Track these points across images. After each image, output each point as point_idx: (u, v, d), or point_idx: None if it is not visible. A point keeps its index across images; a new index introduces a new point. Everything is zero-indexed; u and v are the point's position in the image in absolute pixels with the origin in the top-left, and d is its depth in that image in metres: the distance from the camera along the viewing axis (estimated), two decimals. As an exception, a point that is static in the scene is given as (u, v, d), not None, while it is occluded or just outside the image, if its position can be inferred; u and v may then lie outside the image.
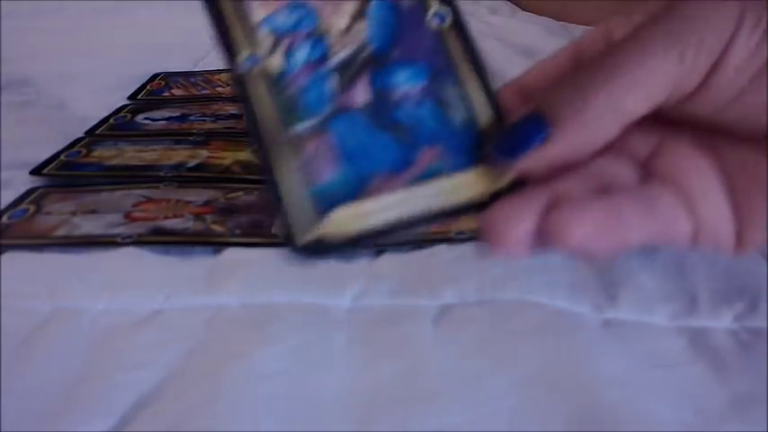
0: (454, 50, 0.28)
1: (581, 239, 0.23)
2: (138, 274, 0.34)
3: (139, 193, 0.40)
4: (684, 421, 0.26)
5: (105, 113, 0.52)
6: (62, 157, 0.45)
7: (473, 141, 0.27)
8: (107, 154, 0.45)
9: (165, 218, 0.38)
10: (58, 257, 0.35)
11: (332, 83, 0.27)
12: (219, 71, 0.62)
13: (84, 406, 0.26)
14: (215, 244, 0.36)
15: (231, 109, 0.54)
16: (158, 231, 0.37)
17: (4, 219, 0.37)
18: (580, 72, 0.25)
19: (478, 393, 0.27)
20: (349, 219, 0.25)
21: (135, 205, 0.39)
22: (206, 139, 0.47)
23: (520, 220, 0.24)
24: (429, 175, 0.26)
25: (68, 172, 0.43)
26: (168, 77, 0.61)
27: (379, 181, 0.26)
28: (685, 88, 0.24)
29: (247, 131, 0.26)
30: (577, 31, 0.75)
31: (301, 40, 0.27)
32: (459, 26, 0.28)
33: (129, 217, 0.38)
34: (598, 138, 0.24)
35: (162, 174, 0.42)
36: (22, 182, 0.42)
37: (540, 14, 0.82)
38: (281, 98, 0.26)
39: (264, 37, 0.27)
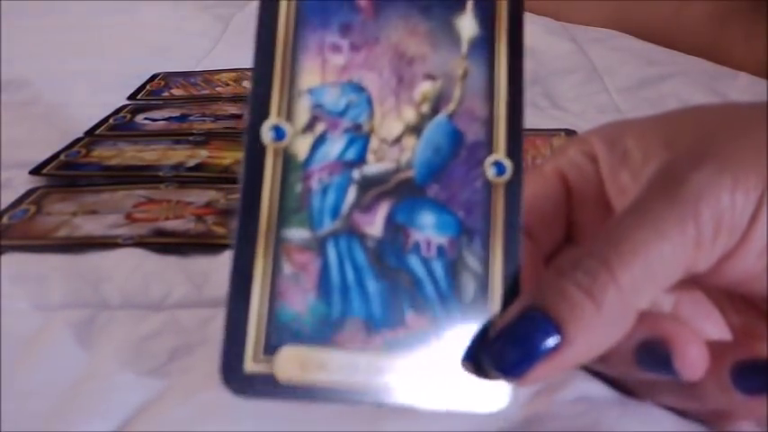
0: (496, 212, 0.23)
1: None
2: (139, 275, 0.34)
3: (140, 193, 0.40)
4: None
5: (105, 113, 0.52)
6: (62, 156, 0.45)
7: (470, 330, 0.22)
8: (107, 154, 0.45)
9: (166, 219, 0.38)
10: (59, 258, 0.35)
11: (349, 197, 0.23)
12: (219, 71, 0.62)
13: (85, 406, 0.26)
14: (216, 245, 0.36)
15: (231, 109, 0.54)
16: (159, 233, 0.37)
17: (5, 219, 0.37)
18: (583, 259, 0.22)
19: None
20: (305, 363, 0.21)
21: (136, 206, 0.39)
22: (206, 139, 0.47)
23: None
24: (408, 346, 0.22)
25: (68, 172, 0.43)
26: (168, 77, 0.61)
27: (352, 331, 0.22)
28: (697, 269, 0.22)
29: (239, 216, 0.22)
30: (577, 31, 0.74)
31: (340, 131, 0.23)
32: (514, 186, 0.23)
33: (129, 218, 0.38)
34: (613, 337, 0.22)
35: (161, 174, 0.42)
36: (22, 182, 0.42)
37: (540, 14, 0.82)
38: (291, 191, 0.22)
39: (303, 110, 0.23)
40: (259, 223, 0.22)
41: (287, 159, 0.22)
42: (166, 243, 0.36)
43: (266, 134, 0.22)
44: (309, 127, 0.23)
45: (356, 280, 0.22)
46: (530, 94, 0.59)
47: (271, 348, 0.21)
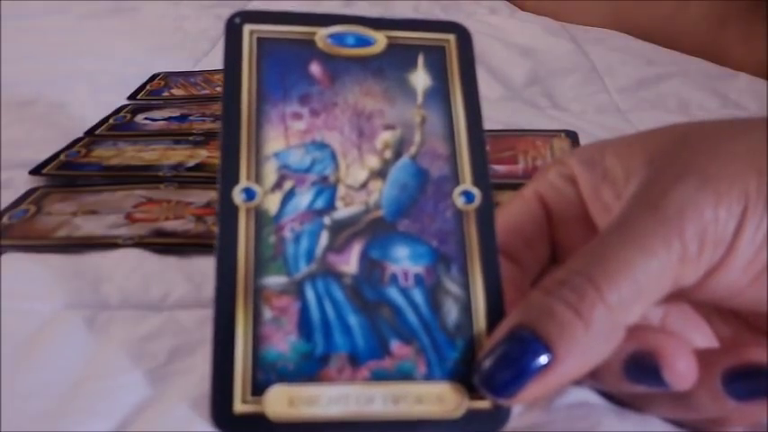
0: (470, 238, 0.24)
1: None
2: (139, 276, 0.34)
3: (140, 193, 0.40)
4: None
5: (105, 113, 0.52)
6: (62, 156, 0.45)
7: (457, 354, 0.23)
8: (107, 154, 0.45)
9: (166, 219, 0.38)
10: (59, 258, 0.35)
11: (322, 241, 0.24)
12: (219, 71, 0.62)
13: (85, 406, 0.26)
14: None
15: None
16: (159, 233, 0.37)
17: (5, 219, 0.37)
18: (569, 276, 0.22)
19: None
20: (294, 400, 0.22)
21: (136, 206, 0.39)
22: (206, 139, 0.47)
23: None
24: (396, 375, 0.23)
25: (68, 172, 0.43)
26: (168, 77, 0.61)
27: (338, 365, 0.23)
28: (684, 283, 0.22)
29: (217, 271, 0.23)
30: (577, 31, 0.75)
31: (308, 185, 0.24)
32: (484, 211, 0.25)
33: (129, 218, 0.38)
34: (602, 354, 0.22)
35: (161, 174, 0.43)
36: (22, 182, 0.42)
37: (540, 14, 0.82)
38: (265, 243, 0.24)
39: (270, 172, 0.24)
40: (237, 275, 0.23)
41: (259, 215, 0.24)
42: (166, 243, 0.36)
43: (237, 196, 0.24)
44: (278, 186, 0.24)
45: (337, 316, 0.23)
46: (530, 94, 0.60)
47: (258, 389, 0.22)
